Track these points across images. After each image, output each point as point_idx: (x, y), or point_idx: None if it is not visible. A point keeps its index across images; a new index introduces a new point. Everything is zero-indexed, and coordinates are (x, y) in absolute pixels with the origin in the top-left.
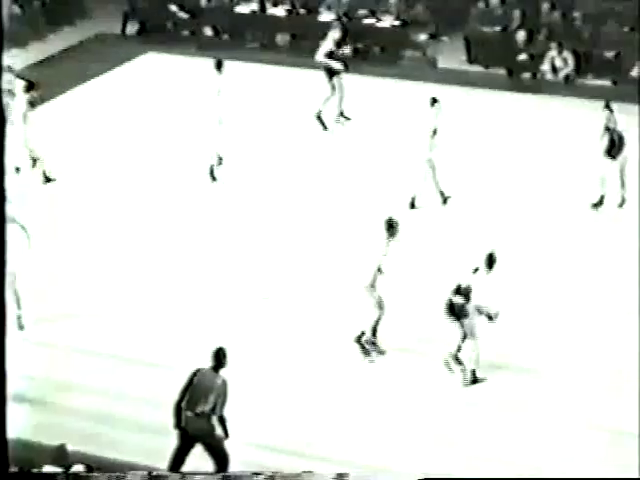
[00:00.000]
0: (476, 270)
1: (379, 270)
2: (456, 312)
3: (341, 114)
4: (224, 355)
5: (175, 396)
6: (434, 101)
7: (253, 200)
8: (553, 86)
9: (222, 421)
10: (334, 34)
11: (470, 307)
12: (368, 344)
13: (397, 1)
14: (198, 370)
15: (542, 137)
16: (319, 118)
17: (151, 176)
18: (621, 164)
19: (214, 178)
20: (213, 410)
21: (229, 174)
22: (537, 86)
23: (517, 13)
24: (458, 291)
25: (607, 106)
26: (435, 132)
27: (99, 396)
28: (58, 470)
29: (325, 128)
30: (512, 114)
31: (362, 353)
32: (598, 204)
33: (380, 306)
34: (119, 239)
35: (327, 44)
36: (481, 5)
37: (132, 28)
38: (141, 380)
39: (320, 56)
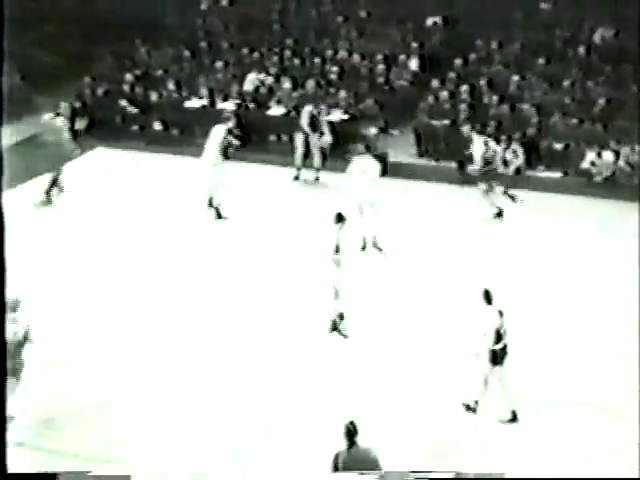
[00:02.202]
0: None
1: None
2: (499, 359)
3: (316, 178)
4: (355, 429)
5: None
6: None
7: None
8: (503, 178)
9: None
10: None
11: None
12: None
13: (346, 95)
14: (338, 453)
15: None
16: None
17: (106, 271)
18: None
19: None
20: None
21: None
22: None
23: (465, 106)
24: (499, 338)
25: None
26: None
27: None
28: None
29: (298, 180)
30: (463, 207)
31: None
32: None
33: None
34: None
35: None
36: (430, 99)
37: (81, 123)
38: None
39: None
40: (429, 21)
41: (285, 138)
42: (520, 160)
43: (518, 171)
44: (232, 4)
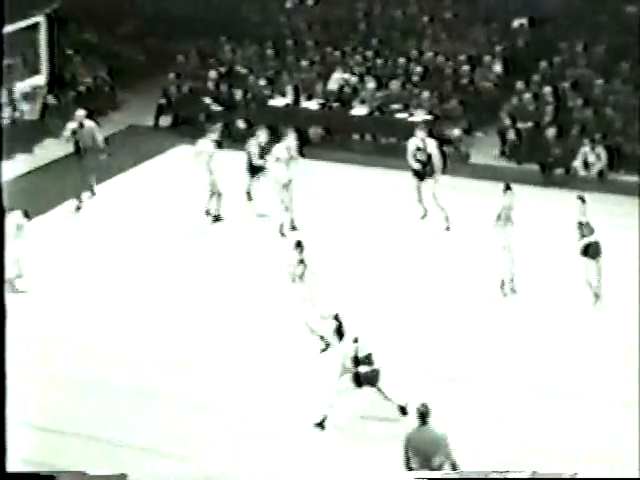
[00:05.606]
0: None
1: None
2: (364, 382)
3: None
4: (428, 410)
5: None
6: (507, 188)
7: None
8: (585, 182)
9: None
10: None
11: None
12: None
13: (430, 96)
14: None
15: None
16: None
17: (183, 268)
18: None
19: None
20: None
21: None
22: (569, 182)
23: (549, 109)
24: (357, 362)
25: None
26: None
27: None
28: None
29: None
30: (545, 209)
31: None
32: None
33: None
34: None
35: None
36: (514, 100)
37: (165, 120)
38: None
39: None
40: (515, 23)
41: (368, 138)
42: (602, 163)
43: (601, 174)
44: (317, 3)
